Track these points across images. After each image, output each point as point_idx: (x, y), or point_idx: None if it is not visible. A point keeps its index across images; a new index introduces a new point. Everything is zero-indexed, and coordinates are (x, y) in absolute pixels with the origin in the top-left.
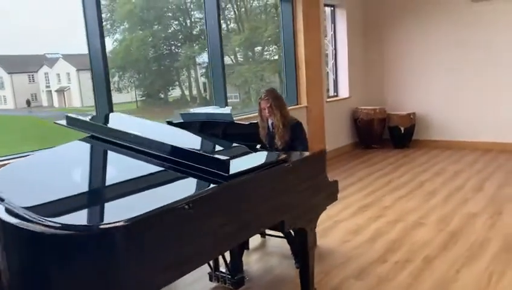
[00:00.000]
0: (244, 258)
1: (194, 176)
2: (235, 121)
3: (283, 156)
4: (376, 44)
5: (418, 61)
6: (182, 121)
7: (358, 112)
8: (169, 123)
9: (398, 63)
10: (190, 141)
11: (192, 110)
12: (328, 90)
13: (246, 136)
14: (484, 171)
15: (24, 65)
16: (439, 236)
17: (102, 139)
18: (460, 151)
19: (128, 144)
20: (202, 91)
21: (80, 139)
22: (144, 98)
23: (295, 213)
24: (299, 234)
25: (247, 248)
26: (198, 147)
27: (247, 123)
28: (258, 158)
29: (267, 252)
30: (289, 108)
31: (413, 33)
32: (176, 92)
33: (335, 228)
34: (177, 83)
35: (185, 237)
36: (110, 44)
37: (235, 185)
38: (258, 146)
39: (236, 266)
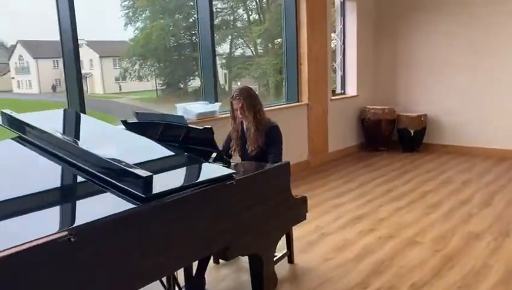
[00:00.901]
0: (209, 274)
1: (112, 193)
2: (190, 126)
3: (228, 171)
4: (388, 39)
5: (432, 60)
6: (137, 121)
7: (366, 111)
8: (124, 123)
9: (411, 60)
10: (128, 147)
11: (149, 111)
12: (334, 88)
13: (203, 142)
14: (495, 183)
15: (49, 50)
16: (433, 259)
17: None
18: (472, 158)
19: (53, 149)
20: (221, 82)
21: (12, 139)
22: (163, 87)
23: (244, 239)
24: (252, 262)
25: (217, 262)
26: (127, 157)
27: (201, 127)
28: (197, 172)
29: (239, 267)
30: (288, 106)
31: (430, 29)
32: (195, 82)
33: (320, 242)
34: (196, 73)
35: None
36: (131, 32)
37: (156, 208)
38: (214, 154)
39: (197, 284)
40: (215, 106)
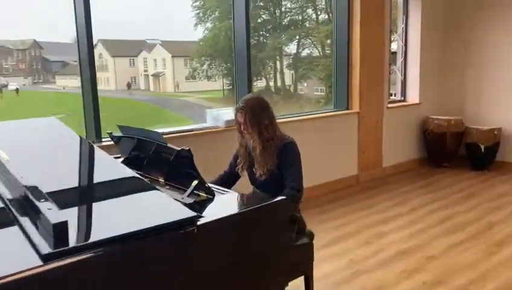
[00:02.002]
0: None
1: (22, 229)
2: (169, 145)
3: (190, 214)
4: (457, 43)
5: (509, 65)
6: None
7: (429, 122)
8: (110, 135)
9: (483, 67)
10: (71, 166)
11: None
12: (393, 94)
13: (183, 165)
14: None
15: (126, 49)
16: None
17: None
18: None
19: None
20: (287, 82)
21: None
22: (230, 86)
23: None
24: None
25: None
26: (61, 179)
27: (177, 149)
28: (142, 213)
29: None
30: (336, 113)
31: (506, 33)
32: (261, 83)
33: (351, 282)
34: (262, 73)
35: None
36: (200, 32)
37: (63, 272)
38: (195, 183)
39: None
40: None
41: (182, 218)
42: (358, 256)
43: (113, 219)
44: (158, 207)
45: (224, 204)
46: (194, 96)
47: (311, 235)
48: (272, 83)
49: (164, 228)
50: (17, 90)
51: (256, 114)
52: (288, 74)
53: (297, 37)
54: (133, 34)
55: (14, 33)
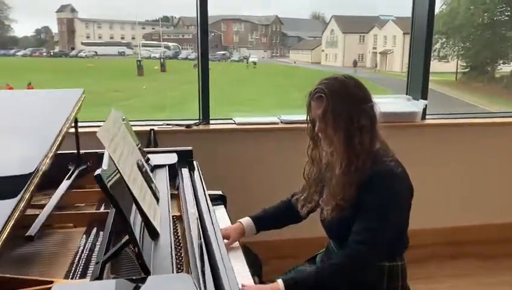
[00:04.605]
0: None
1: None
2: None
3: None
4: None
5: None
6: None
7: None
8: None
9: None
10: None
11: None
12: None
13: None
14: None
15: (357, 26)
16: None
17: None
18: None
19: None
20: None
21: None
22: (466, 69)
23: None
24: None
25: None
26: None
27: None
28: None
29: None
30: None
31: None
32: (506, 68)
33: None
34: (511, 55)
35: None
36: (437, 7)
37: None
38: (126, 238)
39: None
40: (417, 105)
41: None
42: None
43: None
44: None
45: None
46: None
47: None
48: None
49: None
50: (254, 62)
51: (347, 104)
52: None
53: None
54: (367, 10)
55: (261, 10)
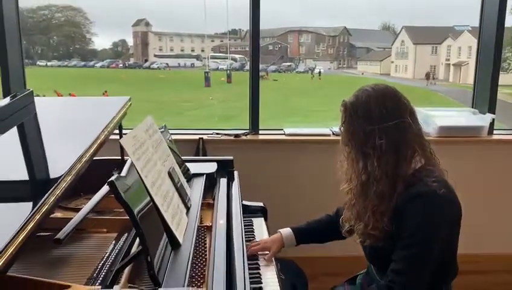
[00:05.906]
0: None
1: None
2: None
3: None
4: None
5: None
6: None
7: None
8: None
9: None
10: None
11: None
12: None
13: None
14: None
15: (429, 36)
16: None
17: None
18: None
19: None
20: None
21: None
22: None
23: None
24: None
25: None
26: None
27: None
28: None
29: None
30: None
31: None
32: None
33: None
34: None
35: None
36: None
37: None
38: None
39: None
40: (483, 119)
41: None
42: None
43: None
44: None
45: None
46: (500, 91)
47: None
48: None
49: None
50: (319, 73)
51: (363, 121)
52: None
53: None
54: (440, 20)
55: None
